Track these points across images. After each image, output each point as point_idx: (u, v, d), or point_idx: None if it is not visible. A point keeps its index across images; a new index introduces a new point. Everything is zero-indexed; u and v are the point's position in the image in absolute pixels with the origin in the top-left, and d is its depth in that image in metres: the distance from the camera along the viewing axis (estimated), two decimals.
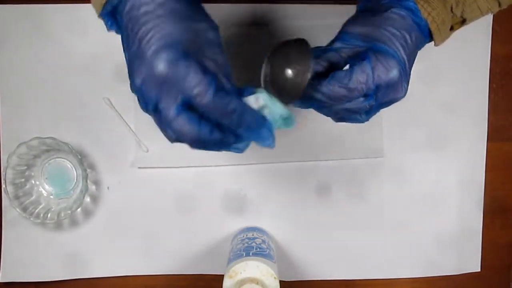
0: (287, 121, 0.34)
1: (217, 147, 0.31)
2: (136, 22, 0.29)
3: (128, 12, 0.30)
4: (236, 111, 0.29)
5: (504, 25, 0.55)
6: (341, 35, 0.36)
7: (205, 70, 0.29)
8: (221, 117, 0.29)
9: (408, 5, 0.35)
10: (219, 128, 0.30)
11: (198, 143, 0.30)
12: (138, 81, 0.29)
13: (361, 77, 0.33)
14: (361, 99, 0.34)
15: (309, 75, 0.33)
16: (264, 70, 0.35)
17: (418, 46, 0.36)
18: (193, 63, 0.28)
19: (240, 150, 0.33)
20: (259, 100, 0.32)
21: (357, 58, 0.34)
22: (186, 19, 0.30)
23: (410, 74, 0.36)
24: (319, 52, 0.36)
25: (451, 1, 0.36)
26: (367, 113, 0.36)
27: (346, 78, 0.33)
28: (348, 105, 0.35)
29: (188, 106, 0.29)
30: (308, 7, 0.53)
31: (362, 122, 0.37)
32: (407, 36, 0.35)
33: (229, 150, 0.32)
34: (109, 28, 0.33)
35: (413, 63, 0.36)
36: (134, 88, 0.29)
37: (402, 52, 0.34)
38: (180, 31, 0.29)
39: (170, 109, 0.28)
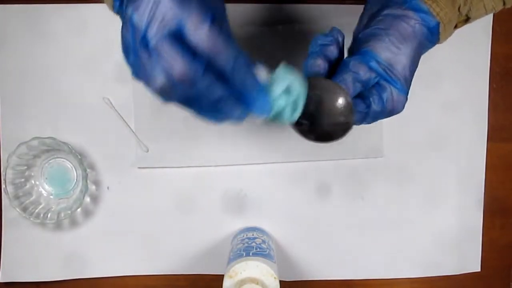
0: (295, 104, 0.32)
1: (207, 105, 0.28)
2: None
3: None
4: (230, 55, 0.27)
5: (504, 25, 0.55)
6: (367, 56, 0.35)
7: (202, 1, 0.26)
8: (214, 57, 0.26)
9: (432, 29, 0.35)
10: (211, 71, 0.27)
11: (189, 87, 0.26)
12: (129, 10, 0.26)
13: (375, 112, 0.35)
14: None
15: (348, 131, 0.35)
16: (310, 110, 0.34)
17: (423, 51, 0.37)
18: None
19: (237, 118, 0.29)
20: (264, 73, 0.30)
21: (375, 92, 0.35)
22: None
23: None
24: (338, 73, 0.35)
25: (459, 1, 0.36)
26: (362, 122, 0.37)
27: (362, 114, 0.35)
28: None
29: (180, 39, 0.26)
30: (315, 7, 0.53)
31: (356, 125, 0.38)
32: (417, 62, 0.36)
33: (224, 118, 0.29)
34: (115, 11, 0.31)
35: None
36: (126, 22, 0.27)
37: (410, 84, 0.36)
38: None
39: (160, 34, 0.26)
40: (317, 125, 0.35)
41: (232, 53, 0.27)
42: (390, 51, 0.34)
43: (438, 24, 0.35)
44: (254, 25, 0.53)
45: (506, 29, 0.55)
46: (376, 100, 0.35)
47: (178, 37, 0.26)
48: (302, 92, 0.32)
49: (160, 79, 0.26)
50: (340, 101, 0.34)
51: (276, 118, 0.32)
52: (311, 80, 0.33)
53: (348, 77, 0.34)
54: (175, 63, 0.26)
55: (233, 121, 0.29)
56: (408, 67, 0.35)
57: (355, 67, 0.34)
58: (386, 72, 0.34)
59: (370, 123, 0.37)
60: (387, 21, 0.35)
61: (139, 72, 0.28)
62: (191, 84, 0.26)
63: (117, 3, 0.30)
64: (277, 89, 0.30)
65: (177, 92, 0.27)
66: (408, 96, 0.36)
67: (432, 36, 0.35)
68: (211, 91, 0.27)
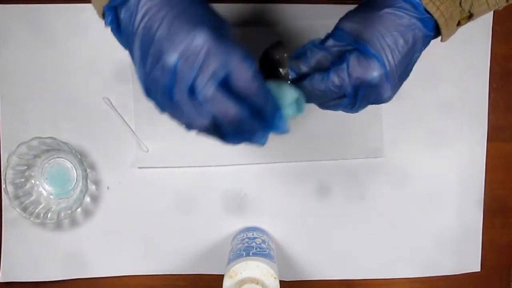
0: (298, 105, 0.35)
1: (247, 135, 0.30)
2: (160, 7, 0.28)
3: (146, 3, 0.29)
4: (265, 95, 0.29)
5: (504, 25, 0.55)
6: (335, 31, 0.37)
7: (243, 47, 0.28)
8: (253, 99, 0.28)
9: (410, 1, 0.34)
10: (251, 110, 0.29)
11: (233, 127, 0.28)
12: (172, 58, 0.26)
13: (336, 81, 0.34)
14: (342, 98, 0.36)
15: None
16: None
17: (419, 45, 0.35)
18: (231, 39, 0.27)
19: (263, 143, 0.31)
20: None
21: (336, 60, 0.35)
22: (204, 16, 0.29)
23: (404, 76, 0.36)
24: (311, 48, 0.36)
25: None
26: (353, 108, 0.37)
27: (321, 83, 0.35)
28: (329, 102, 0.37)
29: (226, 85, 0.27)
30: (309, 7, 0.53)
31: (352, 113, 0.38)
32: (400, 38, 0.34)
33: (251, 143, 0.31)
34: (108, 23, 0.31)
35: (410, 65, 0.36)
36: (165, 67, 0.27)
37: (390, 54, 0.34)
38: (209, 18, 0.29)
39: (209, 85, 0.26)
40: None
41: (266, 91, 0.29)
42: (357, 23, 0.35)
43: (431, 16, 0.34)
44: (252, 25, 0.53)
45: (506, 29, 0.55)
46: (336, 67, 0.34)
47: (223, 83, 0.27)
48: (301, 96, 0.35)
49: (202, 122, 0.28)
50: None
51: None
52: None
53: (306, 51, 0.36)
54: (228, 110, 0.27)
55: (262, 142, 0.31)
56: (378, 36, 0.34)
57: (324, 41, 0.36)
58: (351, 41, 0.35)
59: (358, 103, 0.36)
60: (365, 5, 0.36)
61: (171, 112, 0.29)
62: (238, 123, 0.28)
63: (110, 18, 0.31)
64: (285, 103, 0.34)
65: (219, 130, 0.29)
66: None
67: (427, 30, 0.35)
68: (248, 125, 0.29)
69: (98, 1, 0.31)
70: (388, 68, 0.34)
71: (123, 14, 0.30)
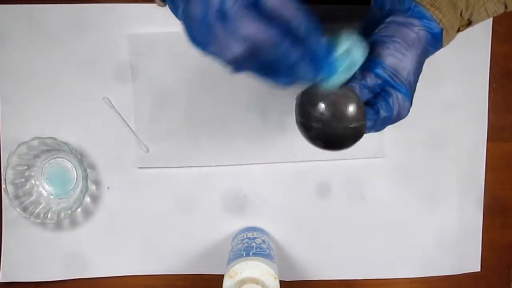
0: (352, 63, 0.33)
1: (282, 70, 0.28)
2: None
3: None
4: (304, 19, 0.27)
5: (504, 25, 0.55)
6: (374, 65, 0.35)
7: None
8: (288, 21, 0.26)
9: (436, 35, 0.35)
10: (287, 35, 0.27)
11: (268, 53, 0.27)
12: None
13: (383, 114, 0.36)
14: None
15: (359, 138, 0.34)
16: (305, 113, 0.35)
17: (427, 57, 0.37)
18: None
19: (308, 80, 0.30)
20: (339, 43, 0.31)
21: (383, 100, 0.35)
22: None
23: None
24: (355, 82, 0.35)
25: (461, 7, 0.36)
26: None
27: (372, 121, 0.35)
28: None
29: (256, 5, 0.26)
30: (321, 7, 0.53)
31: None
32: (421, 68, 0.36)
33: (295, 81, 0.30)
34: None
35: None
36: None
37: (414, 89, 0.36)
38: None
39: (237, 4, 0.25)
40: (329, 129, 0.34)
41: (304, 16, 0.27)
42: (395, 57, 0.35)
43: (441, 30, 0.35)
44: None
45: (506, 29, 0.55)
46: (384, 106, 0.35)
47: (253, 4, 0.26)
48: (360, 56, 0.33)
49: (238, 48, 0.26)
50: (354, 105, 0.33)
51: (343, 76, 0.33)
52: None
53: (356, 85, 0.35)
54: (257, 31, 0.26)
55: (303, 83, 0.30)
56: (412, 72, 0.35)
57: (362, 74, 0.35)
58: (392, 78, 0.35)
59: (377, 131, 0.37)
60: (392, 28, 0.35)
61: (211, 45, 0.27)
62: (271, 50, 0.26)
63: None
64: (340, 50, 0.31)
65: (255, 60, 0.27)
66: (414, 93, 0.36)
67: (435, 42, 0.36)
68: (288, 55, 0.27)
69: None
70: (411, 101, 0.36)
71: None
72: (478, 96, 0.56)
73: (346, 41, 0.31)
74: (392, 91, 0.35)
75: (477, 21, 0.38)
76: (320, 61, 0.29)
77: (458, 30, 0.38)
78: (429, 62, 0.54)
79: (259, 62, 0.28)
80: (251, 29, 0.26)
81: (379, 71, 0.35)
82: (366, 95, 0.35)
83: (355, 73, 0.34)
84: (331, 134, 0.34)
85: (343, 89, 0.34)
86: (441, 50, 0.37)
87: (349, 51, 0.32)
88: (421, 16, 0.35)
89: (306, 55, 0.28)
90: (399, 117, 0.36)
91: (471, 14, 0.37)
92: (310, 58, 0.28)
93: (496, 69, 0.56)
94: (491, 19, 0.54)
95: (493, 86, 0.56)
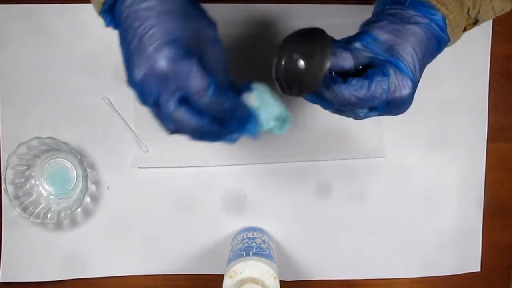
0: (283, 123, 0.35)
1: (213, 138, 0.33)
2: (136, 17, 0.29)
3: (128, 7, 0.30)
4: (230, 108, 0.31)
5: (504, 25, 0.55)
6: (364, 36, 0.35)
7: (205, 69, 0.29)
8: (217, 112, 0.30)
9: (438, 22, 0.34)
10: (215, 120, 0.31)
11: (197, 134, 0.31)
12: (138, 75, 0.29)
13: (378, 92, 0.33)
14: (371, 110, 0.35)
15: (327, 66, 0.31)
16: (275, 61, 0.33)
17: (432, 58, 0.36)
18: (194, 61, 0.29)
19: (233, 141, 0.34)
20: (252, 99, 0.34)
21: (376, 70, 0.33)
22: (187, 16, 0.30)
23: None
24: (336, 47, 0.34)
25: (469, 4, 0.36)
26: (366, 116, 0.36)
27: (363, 89, 0.33)
28: (356, 110, 0.35)
29: (187, 100, 0.30)
30: (314, 7, 0.53)
31: (355, 119, 0.38)
32: (426, 55, 0.35)
33: (224, 141, 0.34)
34: (107, 24, 0.33)
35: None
36: (133, 82, 0.30)
37: (418, 72, 0.34)
38: (182, 29, 0.30)
39: (170, 102, 0.29)
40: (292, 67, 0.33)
41: (231, 104, 0.31)
42: (390, 34, 0.34)
43: (443, 17, 0.34)
44: (253, 25, 0.53)
45: (506, 29, 0.55)
46: (379, 80, 0.33)
47: (185, 99, 0.30)
48: (289, 116, 0.36)
49: (171, 128, 0.31)
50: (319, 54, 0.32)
51: (268, 132, 0.36)
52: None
53: (340, 48, 0.34)
54: (185, 121, 0.30)
55: (232, 142, 0.34)
56: (411, 52, 0.34)
57: (350, 42, 0.34)
58: (387, 52, 0.34)
59: (380, 114, 0.36)
60: (393, 15, 0.35)
61: (154, 114, 0.32)
62: (202, 132, 0.31)
63: (108, 19, 0.33)
64: (266, 116, 0.34)
65: (186, 133, 0.32)
66: (419, 76, 0.35)
67: (440, 29, 0.35)
68: (217, 131, 0.32)
69: (95, 4, 0.33)
70: (416, 85, 0.34)
71: (116, 14, 0.32)
72: (478, 96, 0.56)
73: (270, 108, 0.34)
74: (388, 65, 0.33)
75: (484, 20, 0.38)
76: (244, 129, 0.33)
77: (465, 29, 0.38)
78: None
79: (194, 136, 0.32)
80: (182, 122, 0.30)
81: (369, 40, 0.34)
82: (348, 64, 0.34)
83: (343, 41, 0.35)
84: (288, 70, 0.33)
85: (321, 42, 0.33)
86: (447, 47, 0.37)
87: (277, 118, 0.35)
88: (437, 24, 0.34)
89: (230, 128, 0.32)
90: (401, 98, 0.34)
91: (478, 12, 0.36)
92: (233, 129, 0.33)
93: (496, 69, 0.56)
94: (491, 19, 0.54)
95: (493, 86, 0.56)
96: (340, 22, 0.52)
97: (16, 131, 0.53)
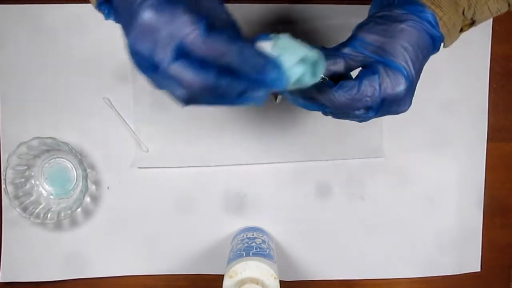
0: (314, 68, 0.30)
1: (233, 98, 0.28)
2: None
3: None
4: (235, 51, 0.27)
5: (504, 25, 0.55)
6: (352, 41, 0.35)
7: (192, 11, 0.26)
8: (220, 59, 0.27)
9: (427, 18, 0.34)
10: (223, 71, 0.27)
11: (211, 95, 0.28)
12: (130, 40, 0.27)
13: (369, 91, 0.33)
14: (367, 110, 0.35)
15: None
16: None
17: (429, 56, 0.36)
18: (180, 4, 0.26)
19: (260, 102, 0.29)
20: (269, 47, 0.30)
21: (366, 70, 0.34)
22: None
23: (415, 87, 0.36)
24: (326, 55, 0.35)
25: (463, 5, 0.36)
26: (366, 119, 0.37)
27: (353, 90, 0.33)
28: (351, 112, 0.35)
29: (185, 54, 0.26)
30: (314, 7, 0.53)
31: (360, 122, 0.38)
32: (419, 52, 0.34)
33: (248, 102, 0.29)
34: (106, 17, 0.32)
35: (420, 75, 0.36)
36: (129, 51, 0.27)
37: (412, 68, 0.34)
38: None
39: (165, 57, 0.26)
40: None
41: (237, 48, 0.27)
42: (377, 35, 0.34)
43: (433, 14, 0.34)
44: (254, 25, 0.53)
45: (506, 29, 0.55)
46: (369, 80, 0.33)
47: (183, 51, 0.26)
48: (320, 58, 0.31)
49: (182, 93, 0.27)
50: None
51: (298, 85, 0.30)
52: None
53: (330, 52, 0.35)
54: (191, 80, 0.26)
55: (258, 102, 0.29)
56: (401, 50, 0.34)
57: (339, 47, 0.35)
58: (371, 52, 0.34)
59: (380, 114, 0.36)
60: (381, 17, 0.35)
61: (160, 86, 0.28)
62: (212, 89, 0.27)
63: (106, 11, 0.32)
64: (290, 59, 0.29)
65: (202, 98, 0.28)
66: (415, 74, 0.35)
67: (432, 27, 0.35)
68: (231, 87, 0.28)
69: None
70: (411, 81, 0.34)
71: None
72: (478, 96, 0.56)
73: (295, 52, 0.30)
74: (376, 64, 0.34)
75: (481, 20, 0.38)
76: (267, 79, 0.28)
77: (461, 30, 0.38)
78: (429, 62, 0.54)
79: (208, 99, 0.28)
80: (186, 80, 0.26)
81: (356, 43, 0.34)
82: (339, 66, 0.35)
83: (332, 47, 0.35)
84: None
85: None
86: (441, 50, 0.37)
87: (304, 59, 0.30)
88: (427, 21, 0.34)
89: (249, 80, 0.28)
90: (395, 94, 0.34)
91: (474, 12, 0.36)
92: (254, 81, 0.28)
93: (496, 69, 0.56)
94: (491, 20, 0.54)
95: (493, 86, 0.56)
96: (340, 22, 0.52)
97: (16, 131, 0.53)
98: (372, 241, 0.56)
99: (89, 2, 0.34)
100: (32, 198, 0.52)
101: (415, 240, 0.56)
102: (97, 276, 0.55)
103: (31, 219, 0.51)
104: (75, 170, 0.54)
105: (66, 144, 0.50)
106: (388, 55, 0.34)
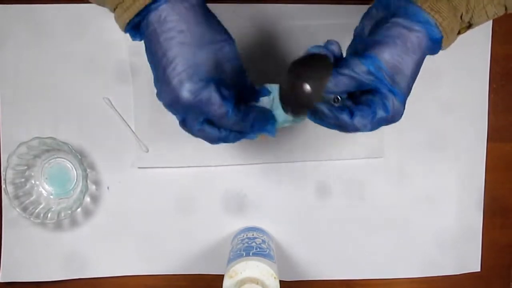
0: (298, 118, 0.38)
1: (234, 141, 0.37)
2: (159, 47, 0.32)
3: (150, 34, 0.33)
4: (249, 121, 0.35)
5: (504, 25, 0.55)
6: (368, 60, 0.35)
7: (223, 96, 0.33)
8: (237, 127, 0.35)
9: (433, 35, 0.35)
10: (236, 130, 0.36)
11: (220, 142, 0.36)
12: (165, 100, 0.33)
13: (378, 123, 0.36)
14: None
15: (321, 92, 0.33)
16: (281, 81, 0.36)
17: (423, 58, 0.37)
18: (213, 89, 0.32)
19: (254, 138, 0.38)
20: (267, 102, 0.38)
21: (378, 102, 0.35)
22: (206, 42, 0.33)
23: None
24: (341, 74, 0.35)
25: (462, 10, 0.36)
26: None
27: (367, 120, 0.36)
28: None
29: (210, 122, 0.34)
30: (314, 7, 0.53)
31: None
32: (418, 69, 0.36)
33: (243, 139, 0.38)
34: (133, 39, 0.35)
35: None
36: (161, 100, 0.34)
37: (408, 91, 0.36)
38: (201, 57, 0.33)
39: (194, 125, 0.34)
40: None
41: (251, 118, 0.35)
42: (394, 60, 0.35)
43: (441, 37, 0.35)
44: (254, 25, 0.53)
45: (506, 29, 0.55)
46: (381, 107, 0.35)
47: (208, 120, 0.34)
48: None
49: (197, 136, 0.36)
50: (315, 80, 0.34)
51: (285, 125, 0.40)
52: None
53: (344, 71, 0.35)
54: (208, 136, 0.35)
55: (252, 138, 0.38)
56: (408, 78, 0.35)
57: (355, 65, 0.35)
58: (387, 79, 0.35)
59: (372, 130, 0.37)
60: (394, 30, 0.35)
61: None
62: (224, 139, 0.36)
63: (133, 36, 0.35)
64: (282, 115, 0.38)
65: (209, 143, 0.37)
66: (408, 97, 0.36)
67: (434, 47, 0.36)
68: (236, 138, 0.37)
69: (118, 23, 0.34)
70: (405, 101, 0.36)
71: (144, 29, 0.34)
72: (478, 97, 0.56)
73: (275, 97, 0.38)
74: (389, 94, 0.35)
75: (478, 24, 0.38)
76: (265, 128, 0.38)
77: (459, 33, 0.38)
78: (429, 63, 0.54)
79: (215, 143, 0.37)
80: (206, 136, 0.35)
81: (373, 68, 0.34)
82: (351, 87, 0.35)
83: (349, 61, 0.35)
84: (288, 91, 0.35)
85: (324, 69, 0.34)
86: (441, 50, 0.37)
87: (279, 105, 0.37)
88: (424, 21, 0.34)
89: (254, 131, 0.37)
90: (393, 120, 0.36)
91: (472, 17, 0.37)
92: (257, 131, 0.37)
93: (496, 70, 0.56)
94: (491, 20, 0.54)
95: (493, 87, 0.56)
96: (340, 22, 0.52)
97: (16, 131, 0.53)
98: (372, 241, 0.56)
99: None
100: (32, 198, 0.52)
101: (415, 240, 0.56)
102: (97, 276, 0.55)
103: (31, 219, 0.51)
104: (75, 170, 0.54)
105: (66, 144, 0.50)
106: (400, 87, 0.35)
